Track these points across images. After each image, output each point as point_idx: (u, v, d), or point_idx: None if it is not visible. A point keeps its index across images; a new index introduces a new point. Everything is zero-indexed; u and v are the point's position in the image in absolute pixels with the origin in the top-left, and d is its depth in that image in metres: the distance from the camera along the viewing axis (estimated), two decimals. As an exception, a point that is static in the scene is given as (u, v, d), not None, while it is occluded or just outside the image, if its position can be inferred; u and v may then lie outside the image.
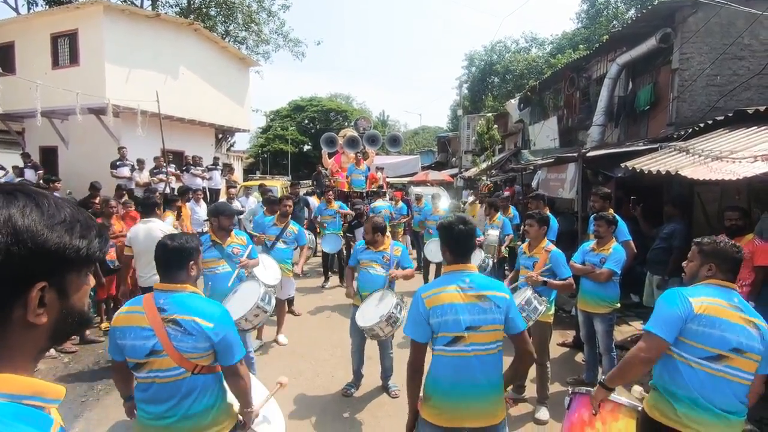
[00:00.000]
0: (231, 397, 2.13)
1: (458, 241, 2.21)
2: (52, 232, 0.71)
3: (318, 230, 8.38)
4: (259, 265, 4.28)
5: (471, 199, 9.13)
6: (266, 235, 5.28)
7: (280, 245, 5.23)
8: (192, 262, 2.08)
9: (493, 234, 5.91)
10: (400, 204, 9.13)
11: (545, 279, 3.67)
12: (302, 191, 9.96)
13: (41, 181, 8.38)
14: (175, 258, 2.05)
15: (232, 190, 9.37)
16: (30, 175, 9.24)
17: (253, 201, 9.42)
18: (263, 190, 9.36)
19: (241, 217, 8.76)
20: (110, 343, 2.04)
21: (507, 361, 2.21)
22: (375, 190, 9.76)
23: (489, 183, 11.62)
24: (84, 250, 0.75)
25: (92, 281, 0.84)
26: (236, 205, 8.64)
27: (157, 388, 1.94)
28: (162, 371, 1.93)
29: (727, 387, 1.98)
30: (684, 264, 2.33)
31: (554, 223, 5.59)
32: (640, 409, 2.22)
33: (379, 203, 8.49)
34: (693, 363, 2.02)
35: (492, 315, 2.07)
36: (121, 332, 1.97)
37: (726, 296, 2.06)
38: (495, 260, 5.93)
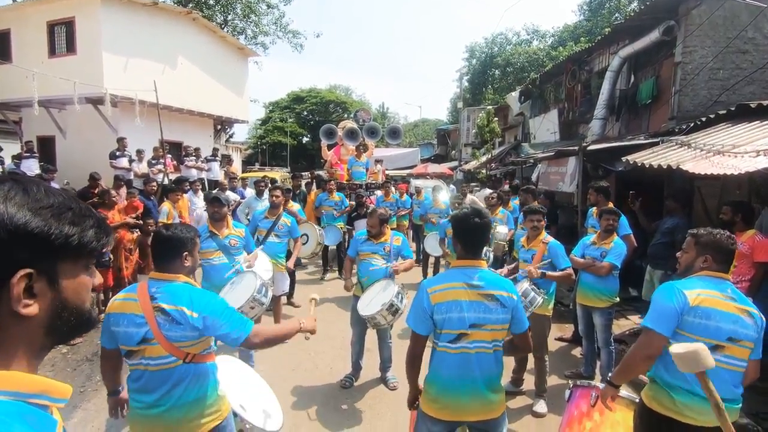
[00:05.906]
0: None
1: (472, 235, 2.15)
2: (35, 215, 0.67)
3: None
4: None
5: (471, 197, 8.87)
6: (258, 229, 5.00)
7: (272, 239, 4.94)
8: (186, 253, 2.08)
9: (502, 231, 5.43)
10: (405, 197, 9.12)
11: (543, 271, 3.66)
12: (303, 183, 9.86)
13: (41, 172, 8.29)
14: (168, 247, 2.07)
15: (234, 182, 9.38)
16: (34, 165, 9.10)
17: (251, 193, 9.38)
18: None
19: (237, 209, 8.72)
20: (103, 330, 2.05)
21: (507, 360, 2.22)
22: (376, 182, 9.73)
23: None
24: (75, 238, 0.71)
25: (97, 278, 0.79)
26: (235, 196, 8.61)
27: (149, 376, 1.96)
28: (153, 359, 1.94)
29: (724, 375, 2.01)
30: (678, 255, 2.33)
31: None
32: (637, 400, 2.24)
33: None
34: None
35: (496, 315, 2.06)
36: (115, 319, 1.98)
37: (720, 287, 2.09)
38: (501, 256, 5.70)
